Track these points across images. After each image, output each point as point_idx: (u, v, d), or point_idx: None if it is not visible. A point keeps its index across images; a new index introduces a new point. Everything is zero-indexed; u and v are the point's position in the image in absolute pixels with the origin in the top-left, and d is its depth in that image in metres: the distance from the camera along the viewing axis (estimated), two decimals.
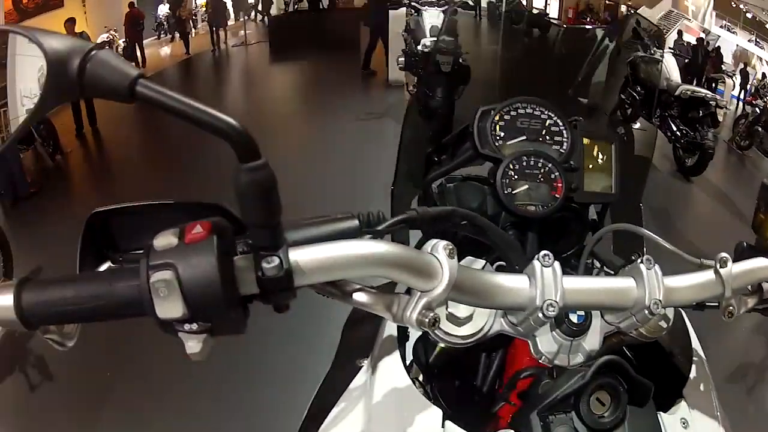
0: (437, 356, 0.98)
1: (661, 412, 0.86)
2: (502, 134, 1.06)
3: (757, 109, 10.43)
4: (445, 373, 1.00)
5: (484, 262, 0.96)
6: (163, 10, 15.07)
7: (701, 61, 13.78)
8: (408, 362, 1.00)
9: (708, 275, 0.78)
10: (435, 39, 6.32)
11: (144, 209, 0.73)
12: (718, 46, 16.89)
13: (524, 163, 1.02)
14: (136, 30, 11.97)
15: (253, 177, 0.53)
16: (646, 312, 0.73)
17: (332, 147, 6.12)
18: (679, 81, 8.10)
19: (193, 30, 14.69)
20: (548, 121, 1.07)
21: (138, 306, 0.55)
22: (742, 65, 18.95)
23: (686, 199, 7.37)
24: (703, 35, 17.88)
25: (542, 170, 1.02)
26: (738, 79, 16.34)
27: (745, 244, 0.87)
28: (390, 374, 0.91)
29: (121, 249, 0.75)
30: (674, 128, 7.76)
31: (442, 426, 0.81)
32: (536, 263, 0.71)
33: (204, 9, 15.40)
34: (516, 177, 1.02)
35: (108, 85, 0.52)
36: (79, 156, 8.06)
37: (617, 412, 0.76)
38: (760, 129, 9.90)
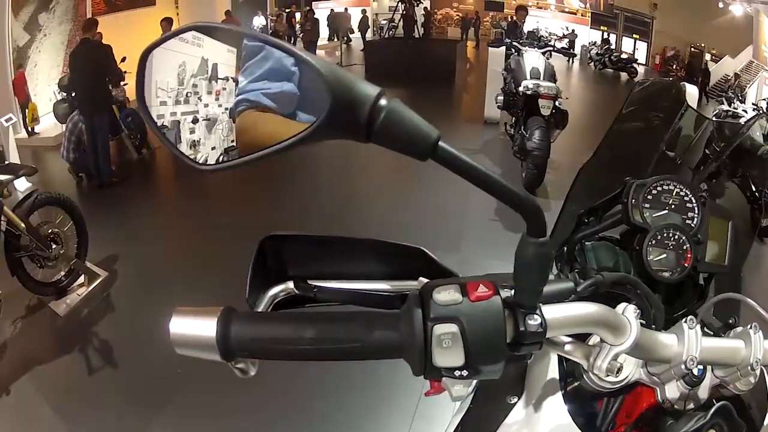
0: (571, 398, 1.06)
1: None
2: (648, 206, 1.17)
3: None
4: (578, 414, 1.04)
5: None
6: (259, 21, 15.23)
7: None
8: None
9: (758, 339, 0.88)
10: (537, 82, 6.34)
11: (321, 239, 0.82)
12: None
13: (664, 234, 1.12)
14: None
15: (538, 251, 0.63)
16: (749, 369, 0.84)
17: (426, 182, 6.09)
18: (762, 141, 7.99)
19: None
20: (685, 198, 1.17)
21: (396, 351, 0.64)
22: None
23: (759, 261, 7.15)
24: None
25: (677, 241, 1.12)
26: None
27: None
28: (552, 411, 0.98)
29: (292, 275, 0.84)
30: (753, 188, 7.62)
31: None
32: (684, 325, 0.83)
33: (300, 26, 15.53)
34: (655, 245, 1.12)
35: (404, 140, 0.55)
36: (165, 153, 7.83)
37: None
38: None
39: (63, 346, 3.80)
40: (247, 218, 5.32)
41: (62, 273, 4.32)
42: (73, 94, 7.01)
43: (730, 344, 0.86)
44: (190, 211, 6.42)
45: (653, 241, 1.11)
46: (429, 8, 17.78)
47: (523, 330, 0.65)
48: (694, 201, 1.17)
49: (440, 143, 0.56)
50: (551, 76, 6.76)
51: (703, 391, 0.91)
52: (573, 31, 18.63)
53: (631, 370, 0.89)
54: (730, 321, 0.94)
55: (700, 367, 0.88)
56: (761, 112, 8.94)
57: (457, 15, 18.39)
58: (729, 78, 11.79)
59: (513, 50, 7.49)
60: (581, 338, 0.82)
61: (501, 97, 7.34)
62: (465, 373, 0.63)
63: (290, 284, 0.83)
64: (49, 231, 4.19)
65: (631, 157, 1.63)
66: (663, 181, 1.18)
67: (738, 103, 8.64)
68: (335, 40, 16.50)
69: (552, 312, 0.69)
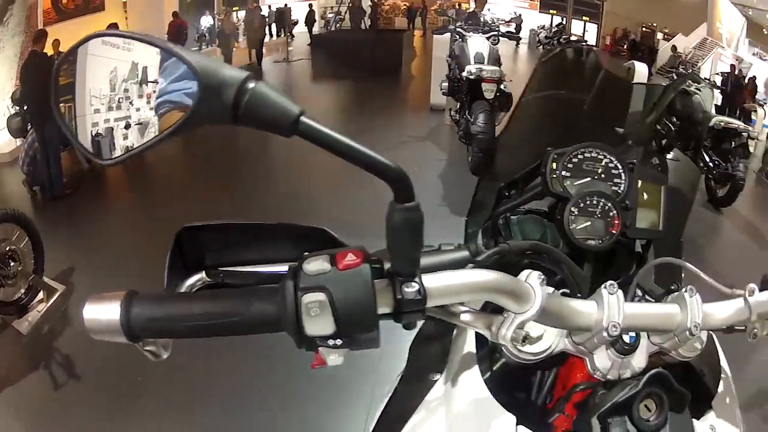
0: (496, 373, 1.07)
1: (694, 419, 0.96)
2: (569, 175, 1.16)
3: None
4: (504, 389, 1.06)
5: (553, 289, 0.99)
6: (206, 21, 15.01)
7: (734, 91, 13.50)
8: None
9: (738, 303, 0.89)
10: (480, 66, 6.42)
11: (236, 227, 0.84)
12: (754, 76, 16.59)
13: (587, 202, 1.11)
14: (180, 40, 11.67)
15: (407, 216, 0.63)
16: (687, 333, 0.84)
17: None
18: (714, 112, 8.13)
19: (236, 44, 14.69)
20: (609, 164, 1.17)
21: (274, 324, 0.65)
22: None
23: (716, 230, 7.34)
24: (735, 63, 17.63)
25: (602, 208, 1.11)
26: None
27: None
28: (469, 386, 0.98)
29: (208, 264, 0.85)
30: (707, 159, 7.77)
31: (515, 429, 0.90)
32: (604, 291, 0.84)
33: (246, 24, 15.41)
34: (578, 214, 1.11)
35: (267, 118, 0.57)
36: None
37: (660, 417, 0.86)
38: None
39: (30, 365, 3.76)
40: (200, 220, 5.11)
41: (22, 291, 4.24)
42: (25, 108, 6.92)
43: (661, 309, 0.87)
44: (142, 218, 6.41)
45: (575, 210, 1.11)
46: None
47: (400, 298, 0.67)
48: (620, 167, 1.17)
49: (303, 118, 0.57)
50: (495, 60, 6.87)
51: (639, 360, 0.91)
52: (519, 15, 18.77)
53: (554, 340, 0.89)
54: (672, 287, 0.94)
55: (632, 334, 0.90)
56: (707, 82, 9.06)
57: (404, 4, 18.40)
58: (679, 55, 12.01)
59: (458, 36, 7.51)
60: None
61: (446, 84, 7.45)
62: (338, 342, 0.65)
63: (203, 273, 0.84)
64: (7, 248, 4.12)
65: (553, 127, 1.69)
66: (585, 149, 1.17)
67: (690, 81, 8.61)
68: (282, 35, 16.40)
69: (434, 280, 0.70)
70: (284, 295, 0.64)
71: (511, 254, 0.92)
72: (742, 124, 8.04)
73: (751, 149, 8.57)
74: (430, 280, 0.69)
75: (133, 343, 0.67)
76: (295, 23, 16.79)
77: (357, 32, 15.33)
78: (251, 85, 0.56)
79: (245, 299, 0.66)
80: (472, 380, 0.98)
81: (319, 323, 0.63)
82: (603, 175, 1.17)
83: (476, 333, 1.02)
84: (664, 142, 9.02)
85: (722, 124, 7.73)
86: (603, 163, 1.17)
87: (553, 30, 19.68)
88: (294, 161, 7.22)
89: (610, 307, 0.82)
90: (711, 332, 1.05)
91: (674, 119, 8.55)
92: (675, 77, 8.82)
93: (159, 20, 12.18)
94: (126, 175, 7.56)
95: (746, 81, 15.79)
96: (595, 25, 22.18)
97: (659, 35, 21.37)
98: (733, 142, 7.67)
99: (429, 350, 1.19)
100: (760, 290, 0.90)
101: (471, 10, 9.93)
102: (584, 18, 22.17)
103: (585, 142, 1.18)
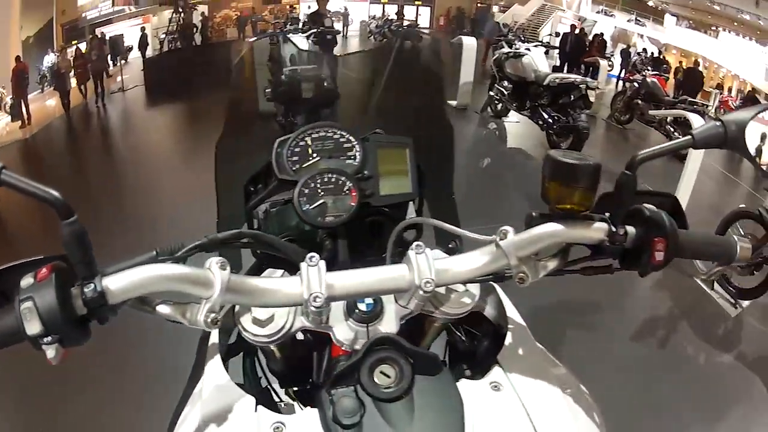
0: (280, 361, 1.10)
1: (469, 380, 0.94)
2: (297, 158, 1.15)
3: (635, 84, 10.76)
4: (291, 374, 1.12)
5: (282, 271, 1.06)
6: (49, 60, 14.19)
7: (571, 48, 14.08)
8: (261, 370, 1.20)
9: (489, 250, 0.88)
10: (297, 67, 6.24)
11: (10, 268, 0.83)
12: (601, 33, 17.30)
13: (319, 181, 1.10)
14: (23, 85, 11.46)
15: (71, 229, 0.71)
16: (421, 292, 0.82)
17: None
18: (548, 71, 8.34)
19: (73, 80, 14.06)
20: (341, 140, 1.17)
21: (18, 334, 0.70)
22: (624, 46, 19.74)
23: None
24: (577, 23, 18.45)
25: (335, 184, 1.11)
26: (618, 59, 16.95)
27: (533, 213, 0.92)
28: (213, 375, 0.98)
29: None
30: (546, 116, 7.99)
31: (255, 410, 0.89)
32: (302, 265, 0.82)
33: (85, 57, 14.86)
34: (312, 193, 1.09)
35: None
36: None
37: (401, 383, 0.83)
38: (639, 102, 10.36)
39: None
40: None
41: None
42: None
43: (383, 272, 0.86)
44: None
45: (306, 190, 1.10)
46: (206, 13, 17.37)
47: (85, 298, 0.72)
48: (352, 140, 1.18)
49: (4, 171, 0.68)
50: (313, 58, 6.64)
51: (388, 326, 0.93)
52: (345, 8, 18.70)
53: (286, 319, 0.92)
54: (450, 245, 0.99)
55: (369, 301, 0.92)
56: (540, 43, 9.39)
57: (236, 14, 18.08)
58: (507, 24, 12.50)
59: (277, 39, 7.25)
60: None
61: (268, 90, 7.10)
62: (49, 339, 0.70)
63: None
64: None
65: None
66: (308, 131, 1.18)
67: (519, 43, 9.02)
68: (116, 64, 15.90)
69: (116, 279, 0.74)
70: (13, 308, 0.70)
71: (213, 246, 0.91)
72: (579, 77, 8.31)
73: (592, 99, 8.78)
74: (107, 280, 0.74)
75: None
76: (129, 49, 16.31)
77: (188, 50, 15.08)
78: None
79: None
80: (216, 370, 0.99)
81: (33, 325, 0.69)
82: (335, 152, 1.18)
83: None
84: (500, 106, 9.29)
85: (557, 80, 7.92)
86: (334, 141, 1.18)
87: (383, 19, 19.94)
88: None
89: (310, 279, 0.82)
90: (493, 284, 1.13)
91: (506, 84, 8.78)
92: (505, 44, 9.01)
93: (6, 65, 11.61)
94: None
95: (592, 38, 16.60)
96: (429, 8, 22.86)
97: (495, 8, 22.29)
98: (572, 96, 7.85)
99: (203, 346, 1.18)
100: (526, 230, 0.89)
101: (314, 10, 9.97)
102: (417, 2, 22.77)
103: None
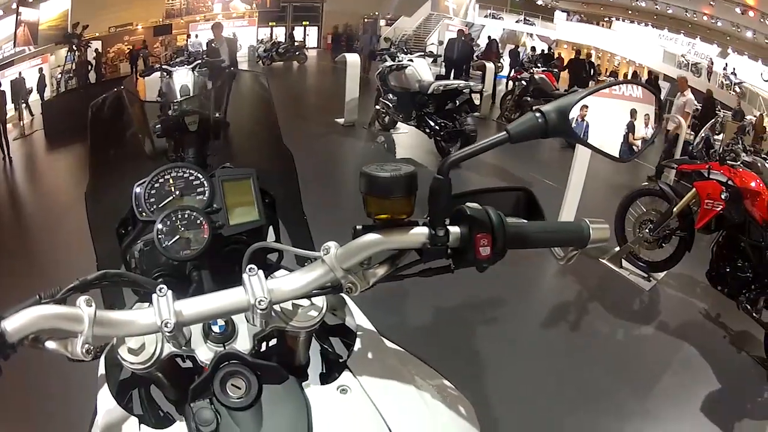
0: (167, 383, 1.11)
1: (316, 385, 1.03)
2: (154, 199, 1.21)
3: (523, 82, 11.19)
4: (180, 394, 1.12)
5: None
6: None
7: (458, 54, 14.19)
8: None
9: (316, 266, 0.95)
10: (182, 99, 6.17)
11: None
12: (495, 39, 17.47)
13: (173, 218, 1.15)
14: None
15: None
16: (258, 310, 0.89)
17: None
18: (432, 79, 8.56)
19: None
20: (190, 177, 1.24)
21: None
22: (513, 46, 20.20)
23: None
24: (465, 29, 18.76)
25: (188, 219, 1.16)
26: (507, 59, 17.38)
27: (358, 226, 0.97)
28: (102, 402, 1.04)
29: None
30: (432, 124, 8.21)
31: (139, 429, 0.96)
32: (153, 296, 0.90)
33: None
34: (171, 229, 1.15)
35: None
36: None
37: (250, 392, 0.92)
38: (529, 99, 10.77)
39: None
40: None
41: None
42: None
43: (223, 297, 0.92)
44: None
45: (164, 228, 1.14)
46: (100, 49, 17.06)
47: None
48: (201, 177, 1.24)
49: None
50: (201, 88, 6.71)
51: (243, 343, 1.01)
52: (234, 34, 18.66)
53: (155, 346, 0.96)
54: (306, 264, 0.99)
55: (221, 323, 0.99)
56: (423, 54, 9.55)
57: (128, 48, 17.84)
58: (389, 38, 12.67)
59: (165, 74, 7.24)
60: None
61: (158, 126, 7.09)
62: None
63: None
64: None
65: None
66: (162, 173, 1.24)
67: (402, 55, 9.18)
68: (16, 110, 15.33)
69: (9, 322, 0.80)
70: None
71: (84, 287, 0.95)
72: (462, 82, 8.54)
73: (477, 102, 9.15)
74: (7, 322, 0.79)
75: None
76: (30, 91, 15.85)
77: (83, 89, 14.63)
78: None
79: None
80: (105, 398, 1.04)
81: None
82: (187, 190, 1.23)
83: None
84: (386, 119, 9.48)
85: (441, 87, 8.16)
86: (185, 179, 1.24)
87: (270, 43, 19.99)
88: None
89: (161, 308, 0.88)
90: (342, 296, 1.21)
91: (391, 96, 8.98)
92: (388, 58, 9.17)
93: None
94: None
95: (488, 42, 16.86)
96: (316, 27, 23.14)
97: (382, 22, 22.49)
98: (456, 101, 8.11)
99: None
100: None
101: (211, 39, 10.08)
102: (304, 23, 23.00)
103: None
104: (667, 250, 5.11)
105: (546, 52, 18.92)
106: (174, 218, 1.16)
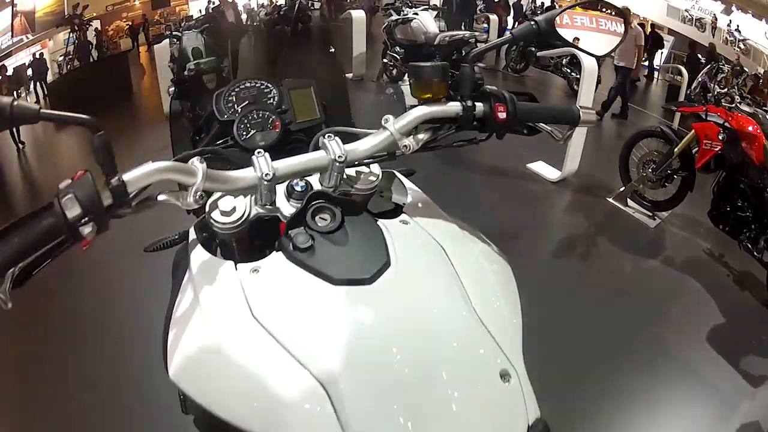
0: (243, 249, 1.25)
1: (382, 219, 1.18)
2: (230, 104, 1.50)
3: None
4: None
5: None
6: None
7: (459, 7, 14.07)
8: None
9: (380, 133, 1.17)
10: (197, 61, 6.33)
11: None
12: None
13: (249, 117, 1.45)
14: None
15: (101, 139, 0.90)
16: (337, 164, 1.11)
17: None
18: (437, 31, 8.57)
19: None
20: (262, 87, 1.54)
21: (56, 227, 0.84)
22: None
23: None
24: None
25: (262, 117, 1.47)
26: (511, 12, 17.30)
27: (407, 106, 1.22)
28: (195, 257, 1.14)
29: None
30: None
31: (235, 269, 1.07)
32: (253, 158, 1.09)
33: None
34: (246, 126, 1.45)
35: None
36: None
37: (334, 222, 1.08)
38: (533, 49, 11.02)
39: None
40: None
41: None
42: None
43: (308, 158, 1.13)
44: None
45: (242, 125, 1.45)
46: (99, 28, 16.99)
47: (111, 188, 0.90)
48: (270, 86, 1.55)
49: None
50: (213, 51, 6.74)
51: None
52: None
53: (245, 209, 1.12)
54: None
55: (302, 183, 1.16)
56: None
57: (127, 24, 17.76)
58: None
59: (175, 40, 7.42)
60: None
61: (172, 89, 7.17)
62: (86, 219, 0.86)
63: None
64: None
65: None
66: (238, 83, 1.53)
67: (407, 9, 9.26)
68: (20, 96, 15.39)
69: (131, 174, 0.92)
70: (56, 204, 0.85)
71: (186, 158, 1.05)
72: (467, 32, 8.63)
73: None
74: (129, 174, 0.92)
75: None
76: (31, 79, 15.81)
77: (85, 68, 14.58)
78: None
79: (33, 220, 0.85)
80: (199, 252, 1.15)
81: (73, 211, 0.84)
82: (259, 96, 1.53)
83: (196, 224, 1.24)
84: (394, 72, 9.52)
85: (447, 38, 8.17)
86: (257, 89, 1.54)
87: (275, 4, 19.86)
88: None
89: (261, 167, 1.08)
90: (391, 170, 1.40)
91: (398, 49, 9.02)
92: (393, 12, 9.19)
93: None
94: None
95: None
96: None
97: None
98: (463, 51, 8.16)
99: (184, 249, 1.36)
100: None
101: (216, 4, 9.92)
102: None
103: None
104: (670, 190, 5.33)
105: (548, 4, 18.76)
106: (251, 117, 1.46)
